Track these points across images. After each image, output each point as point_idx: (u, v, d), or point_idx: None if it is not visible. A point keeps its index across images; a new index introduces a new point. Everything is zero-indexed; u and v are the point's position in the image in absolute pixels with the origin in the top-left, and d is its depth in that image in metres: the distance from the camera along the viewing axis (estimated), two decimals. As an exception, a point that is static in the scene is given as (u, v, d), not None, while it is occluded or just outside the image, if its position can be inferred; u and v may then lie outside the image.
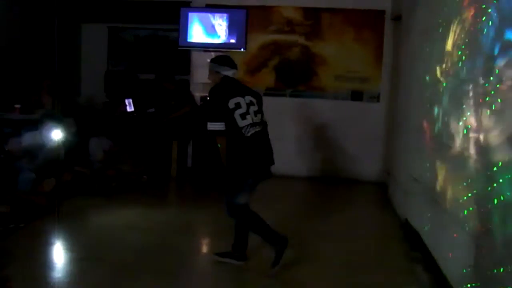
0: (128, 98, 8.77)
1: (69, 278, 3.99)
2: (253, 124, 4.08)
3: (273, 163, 4.26)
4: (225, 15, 8.02)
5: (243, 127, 4.03)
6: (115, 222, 5.46)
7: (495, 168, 2.97)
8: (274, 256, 4.08)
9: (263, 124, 4.22)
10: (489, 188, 3.02)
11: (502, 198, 2.82)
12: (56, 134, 5.37)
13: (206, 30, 8.06)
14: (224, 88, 4.15)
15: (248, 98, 4.14)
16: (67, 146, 6.01)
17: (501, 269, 2.80)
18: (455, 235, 3.67)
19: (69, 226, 5.07)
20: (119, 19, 10.12)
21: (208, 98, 4.29)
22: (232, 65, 4.27)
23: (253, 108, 4.13)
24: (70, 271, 4.15)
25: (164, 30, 10.30)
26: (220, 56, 4.60)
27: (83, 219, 5.49)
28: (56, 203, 5.11)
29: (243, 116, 4.04)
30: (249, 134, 4.04)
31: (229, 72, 4.22)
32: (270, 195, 6.97)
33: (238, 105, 4.06)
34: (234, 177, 4.10)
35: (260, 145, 4.16)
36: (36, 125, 6.21)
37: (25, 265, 4.09)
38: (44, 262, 4.25)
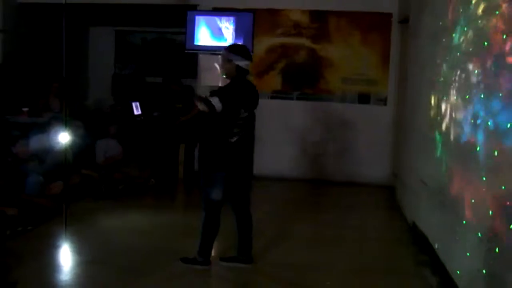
0: (135, 101, 8.80)
1: (76, 281, 3.99)
2: (238, 133, 4.13)
3: (251, 163, 4.34)
4: (232, 18, 8.01)
5: (233, 133, 4.08)
6: (122, 225, 5.47)
7: (505, 170, 2.95)
8: (189, 257, 4.23)
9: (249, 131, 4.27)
10: (497, 190, 3.00)
11: (509, 199, 2.80)
12: (64, 137, 5.38)
13: (213, 33, 8.06)
14: (239, 94, 4.10)
15: (246, 112, 4.15)
16: (75, 149, 6.03)
17: (509, 272, 2.77)
18: (463, 238, 3.64)
19: (76, 229, 5.08)
20: (127, 22, 10.17)
21: (219, 93, 4.14)
22: (247, 56, 4.19)
23: (244, 122, 4.17)
24: (77, 273, 4.15)
25: (171, 34, 10.34)
26: (236, 44, 4.47)
27: (91, 222, 5.50)
28: (64, 206, 5.12)
29: (238, 126, 4.10)
30: (233, 140, 4.10)
31: (242, 63, 4.15)
32: (276, 198, 6.98)
33: (243, 118, 4.11)
34: (209, 170, 4.15)
35: (240, 148, 4.18)
36: (44, 128, 6.24)
37: (32, 268, 4.11)
38: (51, 265, 4.27)
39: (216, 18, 8.05)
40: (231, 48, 4.24)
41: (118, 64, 10.77)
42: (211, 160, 4.15)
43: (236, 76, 4.16)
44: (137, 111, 8.64)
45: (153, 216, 5.86)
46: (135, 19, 9.96)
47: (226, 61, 4.16)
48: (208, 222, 4.22)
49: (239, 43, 4.25)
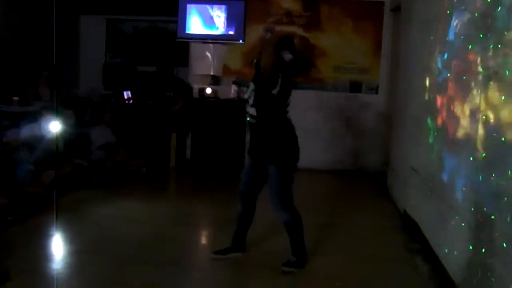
0: (126, 90, 8.76)
1: (68, 270, 3.98)
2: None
3: None
4: (223, 7, 7.99)
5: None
6: (114, 214, 5.46)
7: (493, 158, 2.96)
8: (291, 261, 4.05)
9: None
10: (488, 179, 3.02)
11: (500, 188, 2.82)
12: (55, 126, 5.34)
13: (205, 21, 8.03)
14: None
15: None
16: (66, 138, 6.00)
17: (499, 260, 2.80)
18: (453, 226, 3.67)
19: (68, 218, 5.06)
20: (118, 11, 10.09)
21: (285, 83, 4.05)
22: (292, 50, 3.96)
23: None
24: (69, 262, 4.13)
25: (163, 22, 10.27)
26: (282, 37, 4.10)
27: (82, 211, 5.48)
28: (55, 195, 5.10)
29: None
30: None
31: (288, 56, 3.93)
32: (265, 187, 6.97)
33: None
34: (289, 165, 4.00)
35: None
36: (35, 117, 6.19)
37: (24, 257, 4.10)
38: (43, 254, 4.25)
39: (208, 6, 8.02)
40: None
41: (109, 52, 10.68)
42: (288, 149, 4.00)
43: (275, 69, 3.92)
44: (128, 100, 8.60)
45: (146, 205, 5.85)
46: (126, 8, 9.88)
47: (271, 53, 3.87)
48: (297, 219, 4.06)
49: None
